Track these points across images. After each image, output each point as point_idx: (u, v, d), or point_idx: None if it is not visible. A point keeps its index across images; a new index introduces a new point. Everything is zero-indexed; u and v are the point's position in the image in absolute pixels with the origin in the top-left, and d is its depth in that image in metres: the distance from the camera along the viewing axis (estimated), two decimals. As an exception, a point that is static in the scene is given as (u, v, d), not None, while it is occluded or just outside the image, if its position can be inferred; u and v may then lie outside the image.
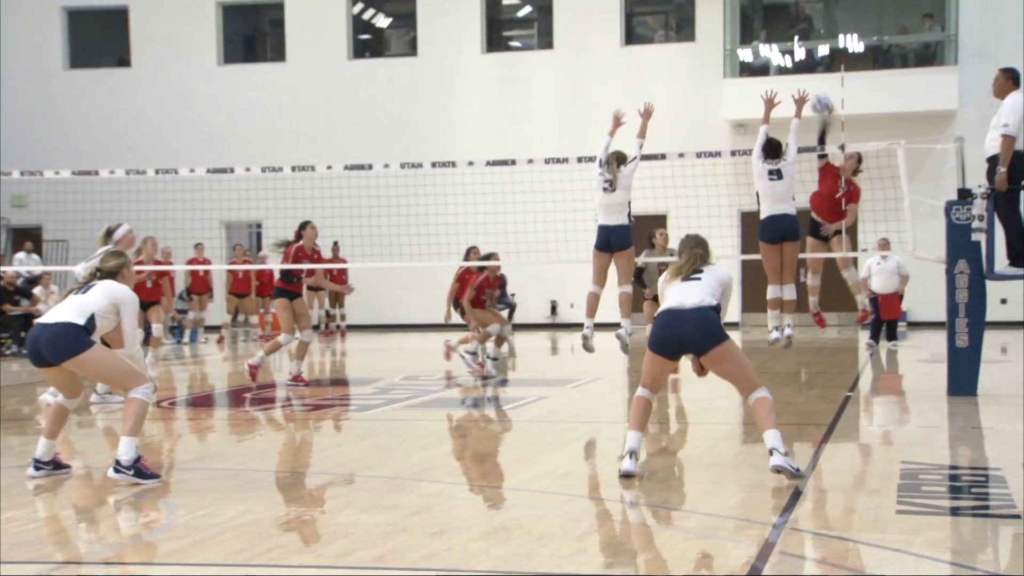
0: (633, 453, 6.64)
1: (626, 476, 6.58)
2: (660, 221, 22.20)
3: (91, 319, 6.80)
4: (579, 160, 12.42)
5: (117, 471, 6.66)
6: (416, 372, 14.03)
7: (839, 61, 21.15)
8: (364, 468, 7.52)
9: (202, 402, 11.91)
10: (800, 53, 22.84)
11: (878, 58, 22.45)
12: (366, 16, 25.34)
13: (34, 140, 24.43)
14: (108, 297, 6.91)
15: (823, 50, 22.83)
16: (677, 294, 6.78)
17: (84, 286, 7.07)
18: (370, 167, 13.01)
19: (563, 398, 11.15)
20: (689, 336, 6.63)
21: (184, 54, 24.99)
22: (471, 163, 12.80)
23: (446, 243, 14.87)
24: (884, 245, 16.23)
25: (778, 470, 6.33)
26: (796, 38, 22.92)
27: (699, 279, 6.82)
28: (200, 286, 20.46)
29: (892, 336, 16.91)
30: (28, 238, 21.89)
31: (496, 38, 24.81)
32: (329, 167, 13.14)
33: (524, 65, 24.21)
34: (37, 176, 13.22)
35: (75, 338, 6.70)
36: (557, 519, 5.77)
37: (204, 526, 5.60)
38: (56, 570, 4.85)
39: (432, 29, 24.36)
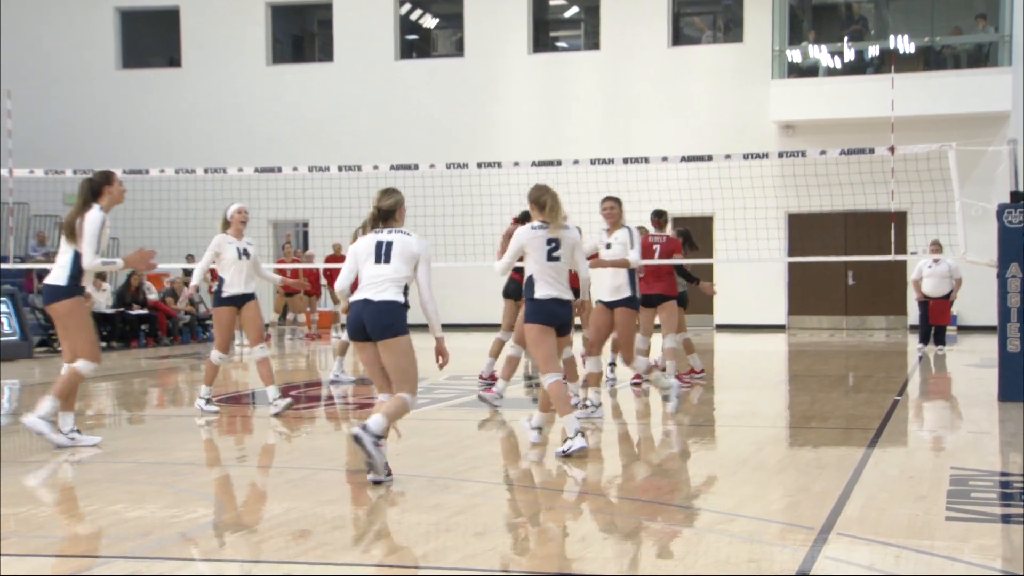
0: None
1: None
2: (706, 223, 22.10)
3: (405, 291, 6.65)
4: (625, 161, 12.37)
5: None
6: (460, 372, 14.03)
7: (890, 62, 20.91)
8: (407, 467, 7.54)
9: (248, 400, 12.00)
10: (850, 54, 22.61)
11: (930, 59, 22.17)
12: (413, 16, 25.43)
13: (86, 139, 24.79)
14: (404, 259, 6.67)
15: (873, 51, 22.58)
16: None
17: (379, 248, 6.69)
18: (416, 167, 13.05)
19: (605, 400, 11.11)
20: None
21: (233, 54, 25.23)
22: (516, 163, 12.80)
23: (492, 244, 14.86)
24: (936, 248, 15.97)
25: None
26: (846, 39, 22.69)
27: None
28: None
29: (940, 341, 16.66)
30: (80, 235, 22.18)
31: (543, 39, 24.80)
32: (375, 167, 13.19)
33: (570, 66, 24.17)
34: (89, 174, 13.39)
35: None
36: (601, 521, 5.75)
37: (249, 523, 5.64)
38: (99, 565, 4.91)
39: (479, 29, 24.39)
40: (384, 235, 6.82)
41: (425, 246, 6.84)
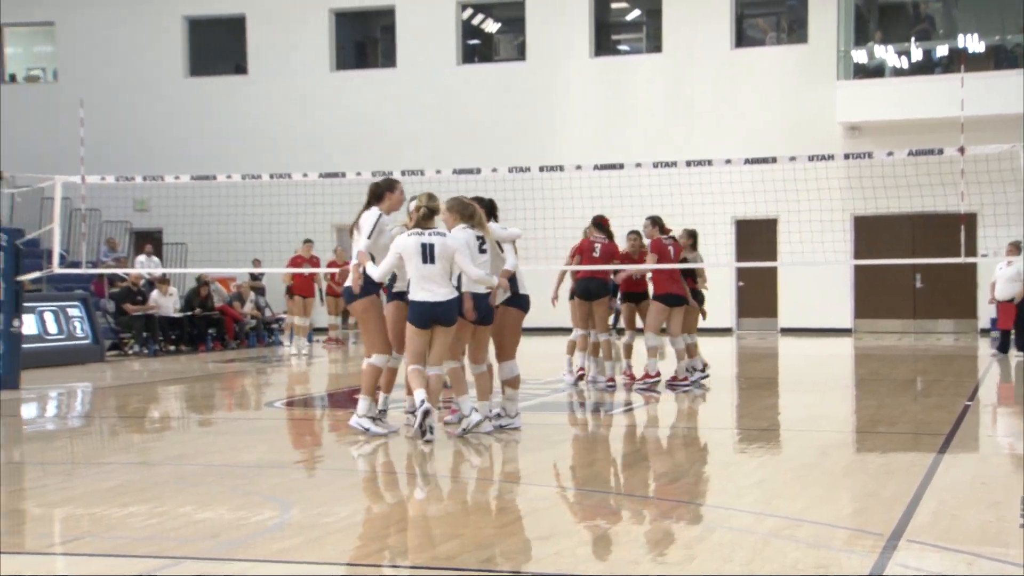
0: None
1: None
2: (770, 226, 21.87)
3: None
4: (687, 164, 12.28)
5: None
6: (524, 376, 14.04)
7: (959, 62, 20.54)
8: (472, 470, 7.56)
9: (315, 403, 12.12)
10: (917, 54, 22.24)
11: (1000, 58, 21.73)
12: (475, 21, 25.52)
13: (155, 145, 25.21)
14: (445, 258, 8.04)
15: (941, 50, 22.19)
16: None
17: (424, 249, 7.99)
18: (478, 171, 13.08)
19: (670, 403, 11.04)
20: None
21: (298, 60, 25.50)
22: (579, 167, 12.77)
23: (553, 247, 14.84)
24: (1014, 250, 15.52)
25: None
26: (913, 38, 22.33)
27: None
28: (306, 288, 19.77)
29: (1004, 348, 16.10)
30: (149, 241, 22.55)
31: (604, 42, 24.74)
32: (438, 171, 13.24)
33: (632, 69, 24.08)
34: (158, 181, 13.64)
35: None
36: (666, 525, 5.72)
37: (316, 525, 5.69)
38: (169, 566, 4.98)
39: (541, 33, 24.40)
40: (426, 238, 8.07)
41: (457, 239, 8.16)
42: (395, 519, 6.01)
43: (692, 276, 12.40)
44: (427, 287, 8.02)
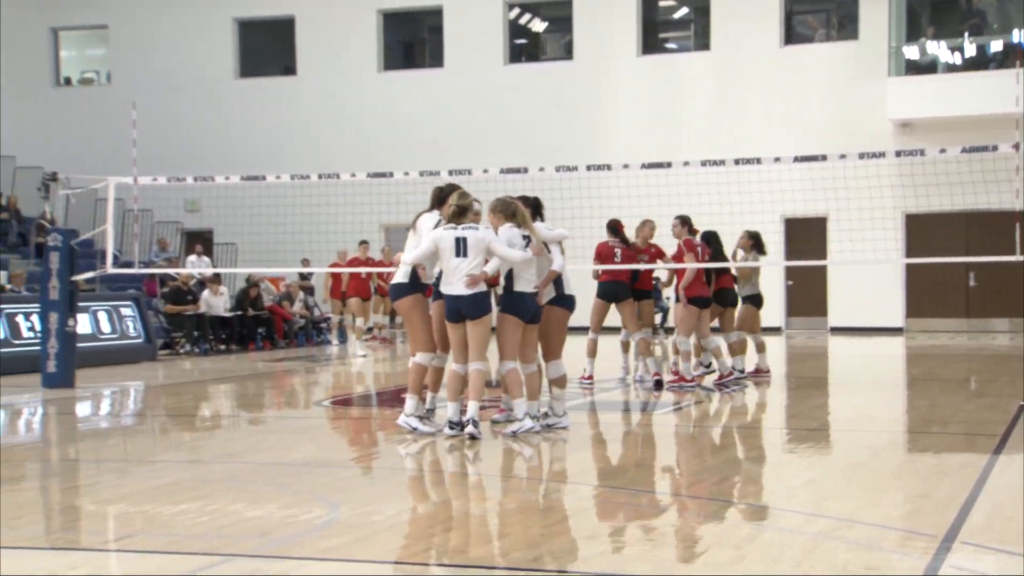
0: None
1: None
2: (819, 224, 21.66)
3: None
4: (736, 162, 12.19)
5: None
6: (571, 374, 14.03)
7: (1014, 57, 20.20)
8: (521, 470, 7.57)
9: (363, 402, 12.19)
10: (970, 49, 21.91)
11: (1056, 52, 21.34)
12: (522, 21, 25.52)
13: (205, 146, 25.48)
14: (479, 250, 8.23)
15: (995, 46, 21.83)
16: None
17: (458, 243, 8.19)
18: (525, 171, 13.07)
19: (717, 402, 10.97)
20: None
21: (346, 61, 25.66)
22: (626, 166, 12.71)
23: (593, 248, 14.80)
24: None
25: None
26: (966, 34, 21.99)
27: None
28: (363, 289, 19.89)
29: None
30: (199, 241, 22.81)
31: (652, 40, 24.63)
32: (485, 171, 13.26)
33: (680, 67, 23.96)
34: (209, 181, 13.79)
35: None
36: (715, 525, 5.68)
37: (365, 523, 5.72)
38: (220, 564, 5.03)
39: (588, 32, 24.35)
40: (460, 232, 8.24)
41: (487, 233, 8.35)
42: (442, 518, 6.02)
43: (732, 277, 12.35)
44: (454, 281, 8.16)
